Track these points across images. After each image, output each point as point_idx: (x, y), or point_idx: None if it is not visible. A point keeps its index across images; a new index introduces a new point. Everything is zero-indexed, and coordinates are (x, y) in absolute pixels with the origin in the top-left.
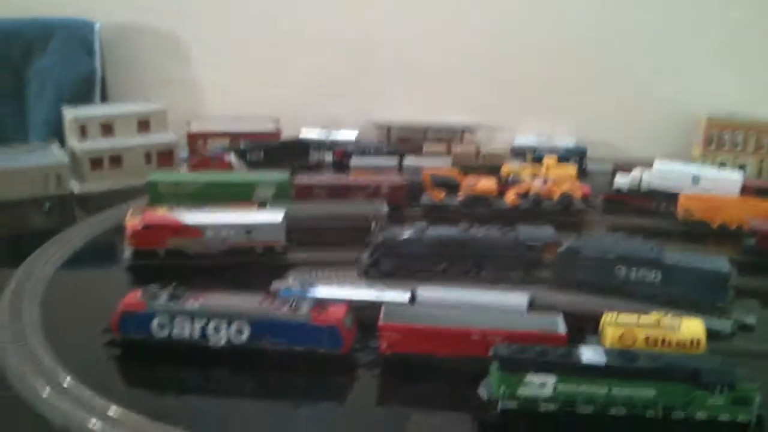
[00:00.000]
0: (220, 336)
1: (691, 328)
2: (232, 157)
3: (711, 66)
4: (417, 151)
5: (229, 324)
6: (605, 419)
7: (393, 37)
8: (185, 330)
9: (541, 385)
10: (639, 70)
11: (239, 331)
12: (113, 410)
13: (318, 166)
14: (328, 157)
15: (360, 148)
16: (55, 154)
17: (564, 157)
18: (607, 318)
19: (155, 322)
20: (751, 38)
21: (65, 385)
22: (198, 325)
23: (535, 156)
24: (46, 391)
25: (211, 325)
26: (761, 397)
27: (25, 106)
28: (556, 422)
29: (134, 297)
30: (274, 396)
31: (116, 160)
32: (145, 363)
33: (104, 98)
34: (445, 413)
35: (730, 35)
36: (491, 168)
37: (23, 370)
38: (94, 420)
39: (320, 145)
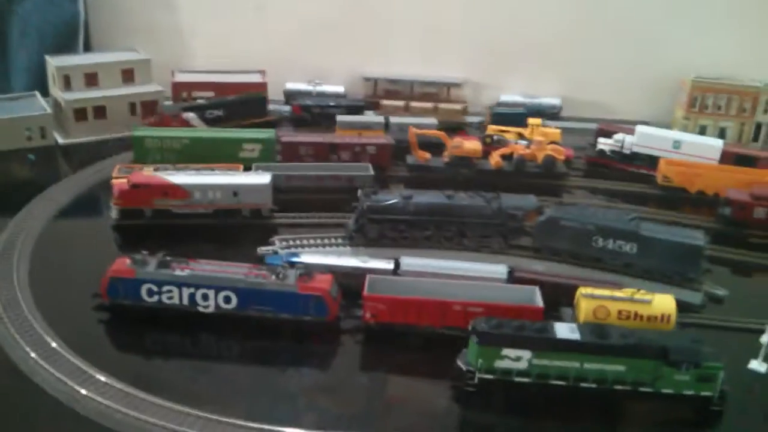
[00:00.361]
0: (209, 303)
1: (663, 303)
2: (190, 115)
3: (698, 28)
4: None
5: (217, 292)
6: (577, 391)
7: None
8: (174, 297)
9: (516, 358)
10: (626, 31)
11: (227, 299)
12: (102, 377)
13: (277, 122)
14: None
15: (319, 102)
16: (38, 105)
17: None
18: (582, 291)
19: (144, 289)
20: (740, 2)
21: (56, 351)
22: (186, 293)
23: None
24: (35, 358)
25: (200, 293)
26: (726, 372)
27: (7, 51)
28: (530, 393)
29: (123, 263)
30: (261, 361)
31: (101, 111)
32: (134, 328)
33: (87, 45)
34: (425, 380)
35: None
36: (449, 126)
37: (15, 337)
38: (82, 389)
39: (304, 97)
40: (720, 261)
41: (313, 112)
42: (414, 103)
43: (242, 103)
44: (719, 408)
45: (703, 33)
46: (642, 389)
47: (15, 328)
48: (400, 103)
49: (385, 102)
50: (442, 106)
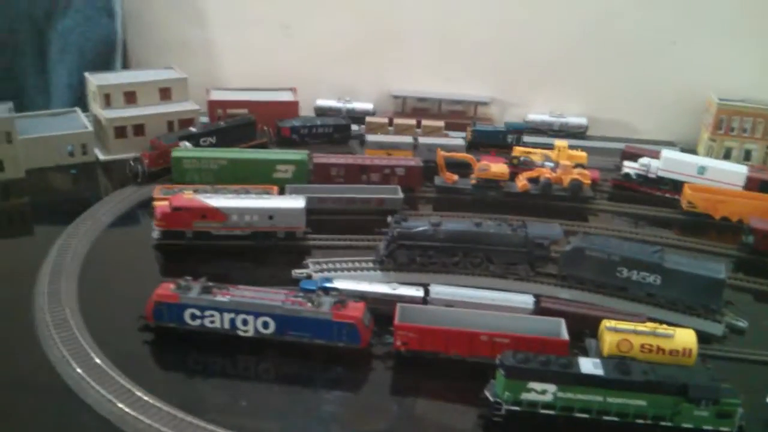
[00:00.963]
0: (248, 328)
1: (684, 337)
2: (187, 144)
3: (723, 48)
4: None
5: (257, 318)
6: (600, 424)
7: (412, 10)
8: (216, 321)
9: (542, 391)
10: (652, 52)
11: (265, 325)
12: (149, 398)
13: (266, 144)
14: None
15: (305, 123)
16: (79, 122)
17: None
18: (606, 324)
19: (188, 313)
20: (765, 20)
21: (104, 371)
22: (227, 318)
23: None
24: (86, 378)
25: (240, 318)
26: (744, 405)
27: (48, 66)
28: (555, 425)
29: (167, 288)
30: (296, 384)
31: (140, 128)
32: (177, 349)
33: (125, 61)
34: (453, 407)
35: (743, 17)
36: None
37: (66, 358)
38: (130, 410)
39: (336, 114)
40: (742, 289)
41: (300, 134)
42: (399, 120)
43: (233, 129)
44: None
45: (727, 53)
46: (662, 423)
47: (66, 349)
48: (412, 121)
49: (398, 121)
50: (425, 122)
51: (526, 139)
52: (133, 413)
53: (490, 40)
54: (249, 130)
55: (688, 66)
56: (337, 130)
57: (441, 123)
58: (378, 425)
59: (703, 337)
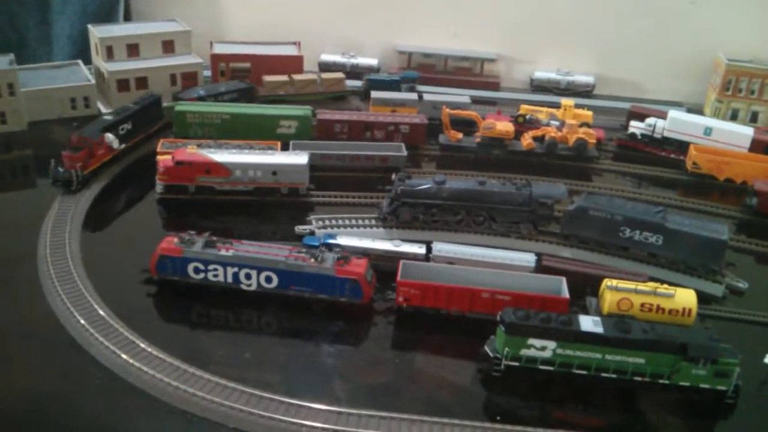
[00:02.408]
0: (251, 282)
1: (685, 297)
2: (110, 136)
3: (734, 8)
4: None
5: (260, 272)
6: (597, 381)
7: None
8: (219, 275)
9: (542, 348)
10: (660, 10)
11: (268, 279)
12: (153, 350)
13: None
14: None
15: (212, 91)
16: (82, 75)
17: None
18: (607, 283)
19: (191, 267)
20: None
21: (108, 324)
22: (231, 272)
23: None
24: (90, 330)
25: (243, 273)
26: (741, 365)
27: (50, 17)
28: (554, 381)
29: (171, 242)
30: (298, 338)
31: (142, 81)
32: (181, 302)
33: (127, 13)
34: (453, 362)
35: None
36: (332, 96)
37: (70, 309)
38: (134, 361)
39: (341, 70)
40: (744, 251)
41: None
42: (298, 77)
43: (143, 111)
44: (733, 401)
45: (737, 13)
46: (660, 381)
47: (70, 301)
48: (312, 76)
49: (268, 78)
50: (324, 75)
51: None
52: (136, 364)
53: None
54: (156, 109)
55: (699, 26)
56: (243, 94)
57: (341, 75)
58: (379, 378)
59: (703, 298)
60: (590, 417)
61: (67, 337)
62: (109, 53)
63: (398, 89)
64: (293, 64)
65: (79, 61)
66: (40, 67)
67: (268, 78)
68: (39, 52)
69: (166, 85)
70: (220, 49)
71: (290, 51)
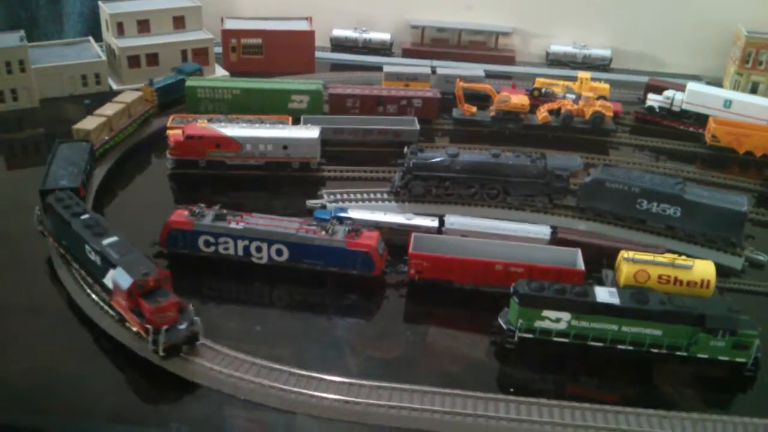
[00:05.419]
0: (262, 255)
1: (703, 269)
2: None
3: None
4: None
5: (270, 245)
6: (614, 353)
7: None
8: (230, 248)
9: (556, 320)
10: None
11: (279, 252)
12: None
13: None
14: None
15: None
16: (93, 52)
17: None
18: (624, 255)
19: (201, 240)
20: None
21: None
22: (241, 245)
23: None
24: (98, 302)
25: (254, 246)
26: (762, 339)
27: None
28: (568, 354)
29: (181, 215)
30: (310, 311)
31: (153, 58)
32: (191, 275)
33: None
34: (465, 335)
35: None
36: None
37: (80, 282)
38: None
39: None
40: (764, 224)
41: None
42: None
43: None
44: (752, 374)
45: None
46: (678, 353)
47: (81, 277)
48: None
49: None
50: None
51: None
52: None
53: None
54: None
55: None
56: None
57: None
58: (391, 352)
59: (722, 271)
60: (605, 390)
61: (78, 311)
62: (120, 29)
63: (181, 90)
64: (304, 39)
65: (90, 38)
66: (50, 45)
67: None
68: (50, 31)
69: (177, 62)
70: (231, 25)
71: (302, 26)
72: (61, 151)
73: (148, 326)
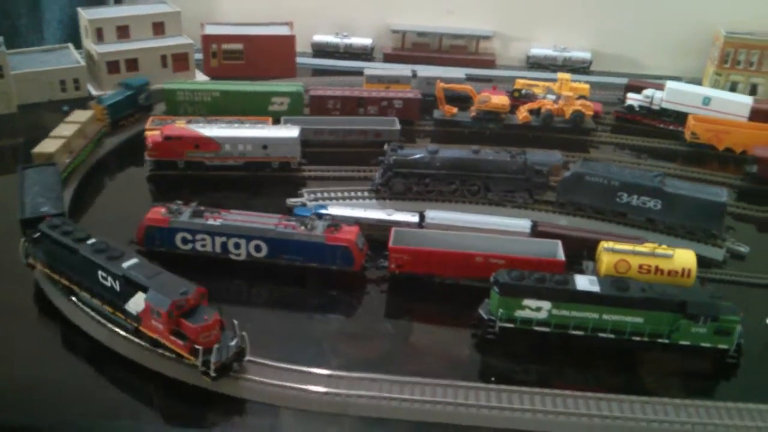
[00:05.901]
0: (240, 252)
1: (684, 258)
2: None
3: None
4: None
5: (249, 241)
6: (595, 341)
7: None
8: (207, 245)
9: (536, 309)
10: None
11: (258, 248)
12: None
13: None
14: None
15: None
16: (72, 58)
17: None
18: (604, 245)
19: (179, 237)
20: None
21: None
22: (219, 241)
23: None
24: (75, 302)
25: (232, 242)
26: (744, 326)
27: (39, 2)
28: (549, 343)
29: (158, 212)
30: (290, 307)
31: (133, 63)
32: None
33: None
34: (447, 328)
35: None
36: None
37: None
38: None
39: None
40: (745, 218)
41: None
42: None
43: None
44: (735, 360)
45: None
46: (659, 341)
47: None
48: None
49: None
50: None
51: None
52: (124, 333)
53: None
54: None
55: (696, 1)
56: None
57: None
58: (372, 345)
59: (703, 263)
60: (588, 378)
61: (55, 311)
62: (99, 35)
63: (135, 102)
64: (285, 44)
65: (70, 45)
66: (30, 51)
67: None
68: (30, 39)
69: (156, 67)
70: (211, 30)
71: (282, 31)
72: (28, 176)
73: (197, 347)
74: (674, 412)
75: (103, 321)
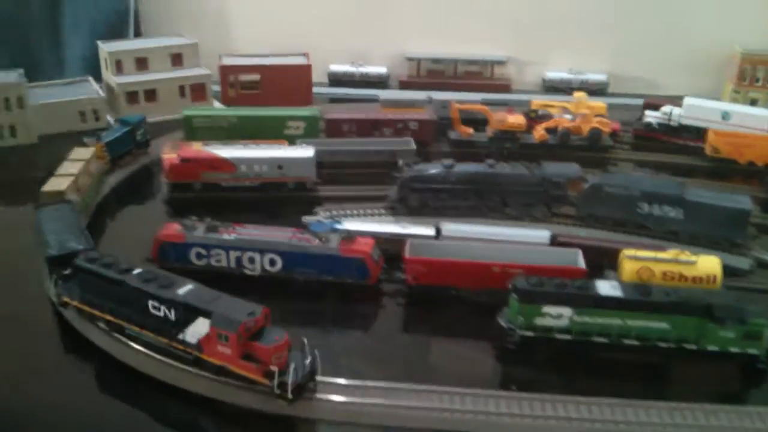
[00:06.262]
0: (255, 266)
1: (708, 264)
2: None
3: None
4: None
5: (263, 255)
6: (620, 348)
7: None
8: (222, 260)
9: (557, 316)
10: (672, 3)
11: (272, 262)
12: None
13: None
14: None
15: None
16: (91, 89)
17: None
18: (626, 253)
19: (193, 252)
20: None
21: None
22: (234, 256)
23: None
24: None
25: (246, 256)
26: None
27: (61, 40)
28: (572, 351)
29: (173, 228)
30: (306, 322)
31: (151, 94)
32: None
33: (137, 33)
34: (465, 341)
35: None
36: None
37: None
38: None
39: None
40: None
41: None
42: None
43: None
44: (766, 366)
45: (751, 3)
46: (686, 346)
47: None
48: None
49: None
50: None
51: None
52: (136, 346)
53: None
54: None
55: (713, 19)
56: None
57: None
58: (389, 361)
59: (729, 272)
60: (612, 386)
61: (68, 325)
62: (119, 67)
63: (133, 139)
64: (301, 73)
65: (90, 78)
66: (50, 84)
67: None
68: (52, 75)
69: (175, 98)
70: (228, 61)
71: (299, 61)
72: (45, 215)
73: (272, 368)
74: (704, 417)
75: (154, 354)
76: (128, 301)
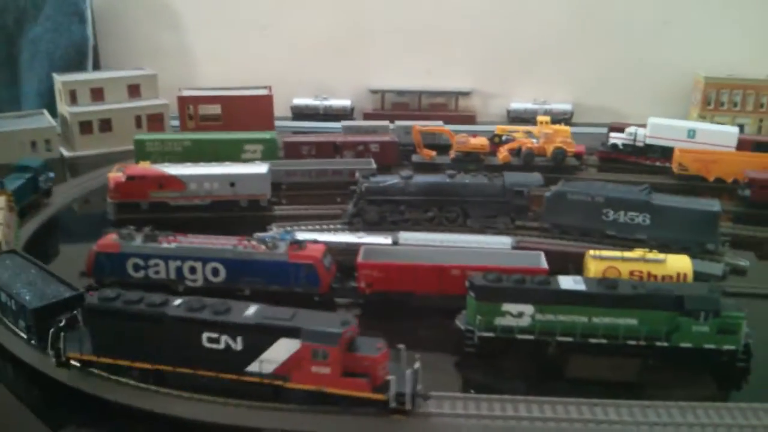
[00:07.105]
0: (196, 277)
1: (679, 262)
2: None
3: (707, 26)
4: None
5: (205, 264)
6: (586, 348)
7: (389, 3)
8: (161, 271)
9: (518, 314)
10: (635, 33)
11: (215, 272)
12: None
13: None
14: None
15: None
16: (45, 120)
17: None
18: (591, 253)
19: (130, 264)
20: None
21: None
22: (173, 266)
23: None
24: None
25: (187, 266)
26: (750, 331)
27: (18, 75)
28: (536, 352)
29: (109, 239)
30: None
31: (106, 124)
32: None
33: (97, 68)
34: (424, 348)
35: None
36: None
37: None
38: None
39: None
40: (743, 242)
41: None
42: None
43: None
44: (745, 363)
45: (712, 30)
46: (658, 344)
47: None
48: None
49: None
50: None
51: None
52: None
53: (471, 29)
54: None
55: (675, 46)
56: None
57: None
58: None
59: (702, 278)
60: (579, 388)
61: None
62: (72, 97)
63: (36, 185)
64: (263, 104)
65: (44, 110)
66: (4, 117)
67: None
68: (8, 111)
69: (131, 128)
70: (187, 93)
71: (261, 92)
72: None
73: (388, 378)
74: (680, 414)
75: (213, 398)
76: (171, 340)
